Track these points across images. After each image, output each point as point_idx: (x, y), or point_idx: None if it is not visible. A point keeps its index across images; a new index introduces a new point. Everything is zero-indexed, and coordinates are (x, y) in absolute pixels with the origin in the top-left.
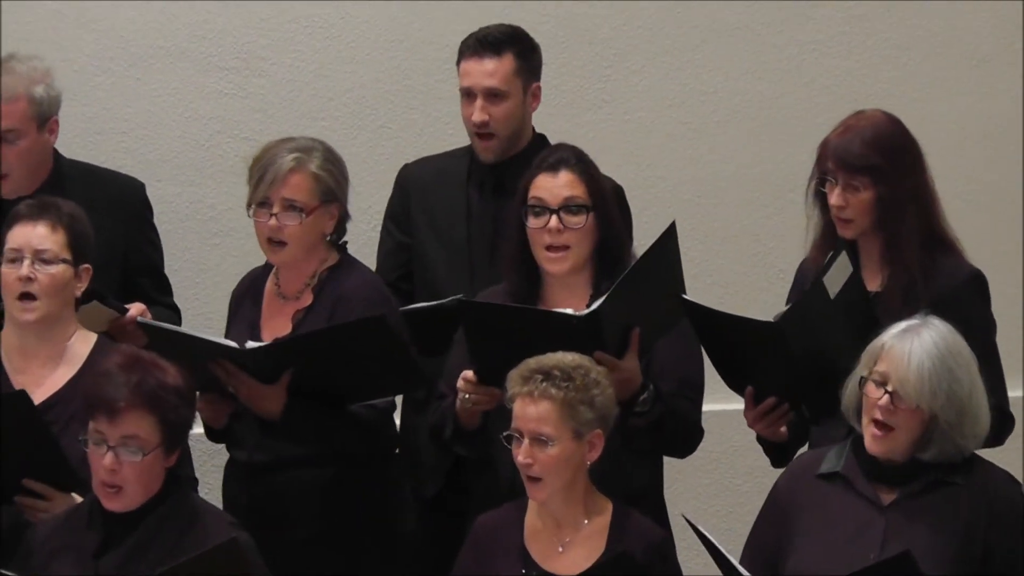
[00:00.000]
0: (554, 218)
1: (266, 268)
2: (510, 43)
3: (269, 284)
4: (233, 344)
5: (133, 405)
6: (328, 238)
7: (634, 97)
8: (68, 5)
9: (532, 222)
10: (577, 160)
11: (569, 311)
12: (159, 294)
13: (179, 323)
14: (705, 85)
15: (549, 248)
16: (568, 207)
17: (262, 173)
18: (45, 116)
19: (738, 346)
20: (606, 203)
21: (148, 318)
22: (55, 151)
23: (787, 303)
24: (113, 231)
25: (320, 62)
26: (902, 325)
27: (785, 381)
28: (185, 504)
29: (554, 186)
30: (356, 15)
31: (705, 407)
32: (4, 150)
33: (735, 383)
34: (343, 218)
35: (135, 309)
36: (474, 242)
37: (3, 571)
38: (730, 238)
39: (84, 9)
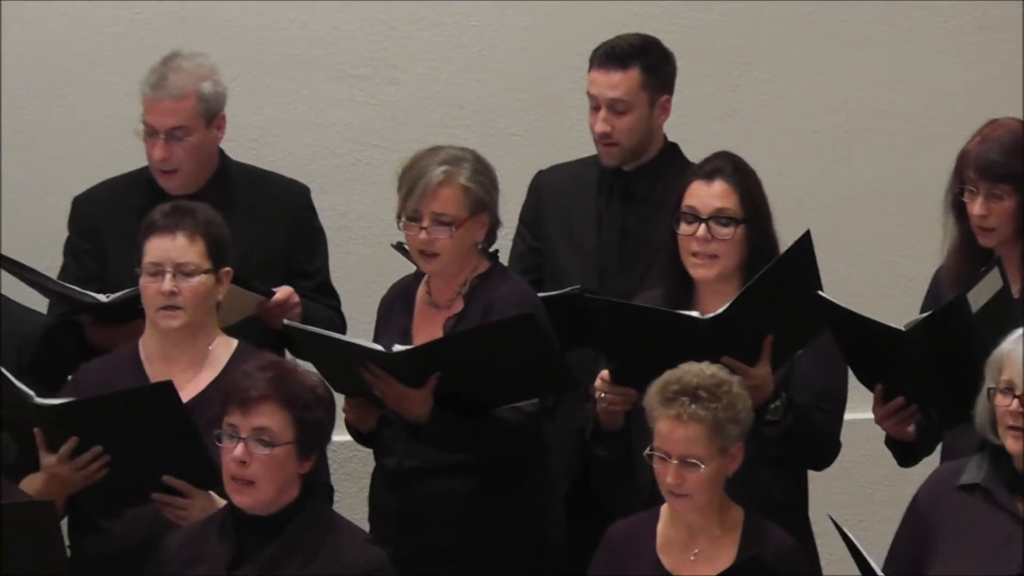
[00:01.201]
0: (703, 227)
1: (417, 276)
2: (638, 56)
3: (420, 292)
4: (380, 347)
5: (267, 397)
6: (479, 246)
7: (764, 106)
8: (197, 12)
9: (682, 228)
10: (734, 171)
11: (695, 314)
12: (321, 295)
13: (342, 326)
14: (835, 94)
15: (696, 255)
16: (718, 218)
17: (411, 186)
18: (212, 112)
19: (868, 345)
20: (760, 216)
21: (296, 306)
22: (221, 151)
23: (921, 311)
24: (276, 233)
25: (451, 70)
26: (1018, 331)
27: (912, 386)
28: (321, 518)
29: (707, 195)
30: (487, 23)
31: None
32: (173, 147)
33: (866, 380)
34: (494, 226)
35: (282, 293)
36: (603, 248)
37: None
38: (860, 246)
39: (213, 16)
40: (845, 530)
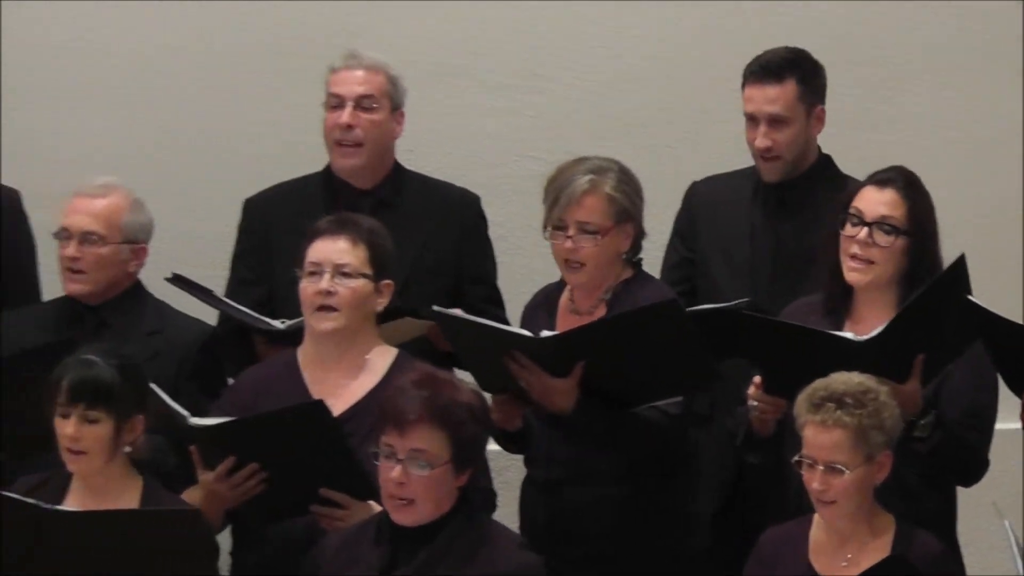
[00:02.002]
0: (865, 231)
1: (560, 283)
2: (792, 68)
3: (563, 299)
4: (528, 333)
5: (423, 419)
6: (624, 256)
7: (917, 118)
8: (347, 24)
9: (846, 229)
10: (907, 184)
11: (850, 335)
12: (488, 304)
13: None
14: (989, 106)
15: (853, 257)
16: (882, 224)
17: (557, 195)
18: (397, 101)
19: (1020, 352)
20: (924, 232)
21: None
22: (397, 162)
23: None
24: (446, 239)
25: (603, 81)
26: None
27: None
28: (476, 524)
29: (876, 201)
30: (637, 35)
31: None
32: (361, 116)
33: (1017, 387)
34: (639, 236)
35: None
36: (757, 260)
37: None
38: (1017, 259)
39: (365, 28)
40: (1007, 524)
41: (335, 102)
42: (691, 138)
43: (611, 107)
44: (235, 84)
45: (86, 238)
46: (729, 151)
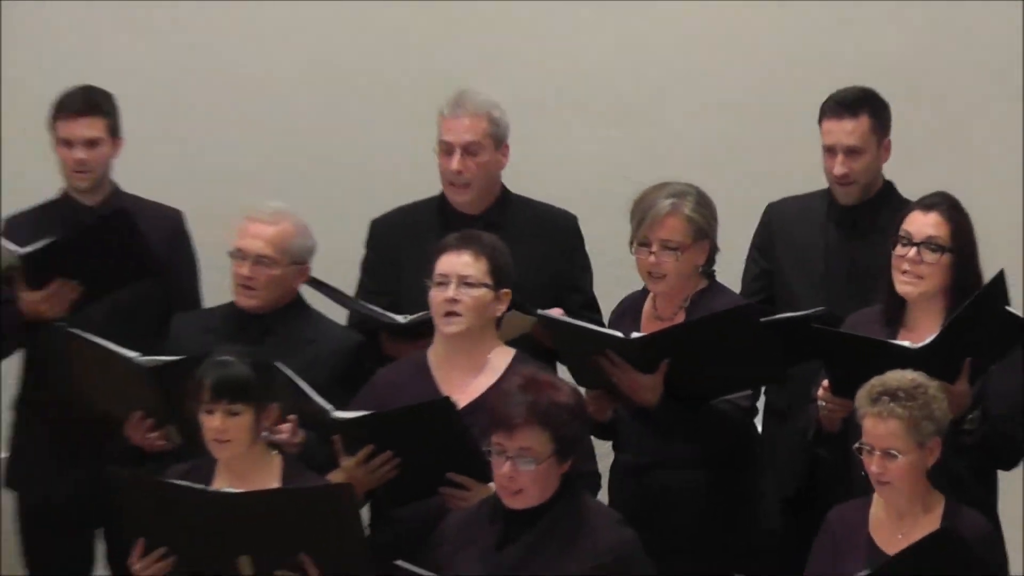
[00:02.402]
0: (914, 250)
1: (644, 292)
2: (865, 105)
3: (647, 306)
4: (619, 334)
5: (528, 422)
6: (700, 269)
7: (969, 147)
8: (458, 56)
9: (897, 250)
10: (949, 207)
11: (906, 344)
12: (584, 310)
13: None
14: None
15: (904, 273)
16: (928, 243)
17: (642, 216)
18: (500, 138)
19: None
20: (966, 249)
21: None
22: (504, 187)
23: None
24: (548, 254)
25: (690, 110)
26: None
27: None
28: (577, 504)
29: (922, 223)
30: (719, 71)
31: None
32: (468, 160)
33: None
34: (713, 251)
35: (555, 311)
36: (831, 275)
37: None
38: None
39: (471, 60)
40: None
41: (445, 148)
42: (769, 164)
43: (702, 135)
44: (365, 113)
45: (259, 260)
46: (805, 175)
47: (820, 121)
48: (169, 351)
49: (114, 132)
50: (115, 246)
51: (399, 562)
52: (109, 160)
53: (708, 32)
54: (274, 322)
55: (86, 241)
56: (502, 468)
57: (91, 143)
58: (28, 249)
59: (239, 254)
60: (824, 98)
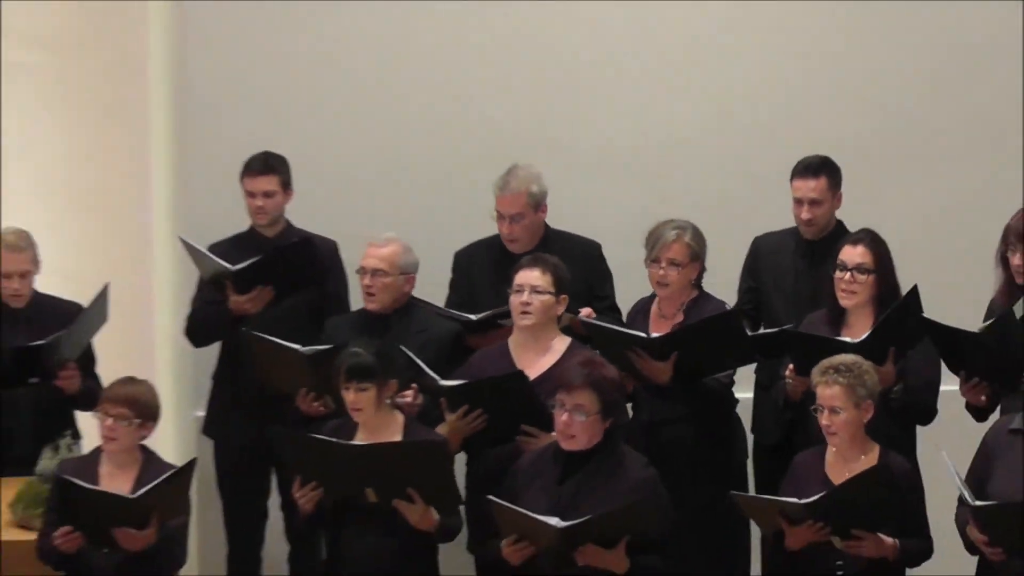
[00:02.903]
0: (848, 274)
1: (651, 296)
2: (824, 168)
3: (654, 307)
4: (643, 334)
5: (583, 385)
6: (692, 281)
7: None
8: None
9: (837, 274)
10: (872, 240)
11: (848, 339)
12: (608, 311)
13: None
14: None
15: (843, 291)
16: (858, 268)
17: (655, 241)
18: (538, 203)
19: (953, 346)
20: (886, 270)
21: (593, 318)
22: (545, 224)
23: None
24: (579, 272)
25: (692, 168)
26: None
27: (983, 368)
28: (616, 451)
29: (852, 254)
30: (715, 142)
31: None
32: (514, 226)
33: (952, 367)
34: (702, 269)
35: (584, 311)
36: (799, 291)
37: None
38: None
39: (517, 126)
40: (947, 457)
41: (498, 216)
42: (750, 206)
43: (696, 187)
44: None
45: (376, 273)
46: (782, 217)
47: (791, 180)
48: (324, 343)
49: (286, 186)
50: (297, 264)
51: (490, 496)
52: (282, 205)
53: (707, 105)
54: (393, 319)
55: (279, 260)
56: (561, 417)
57: (268, 194)
58: (239, 267)
59: (363, 271)
60: (792, 163)
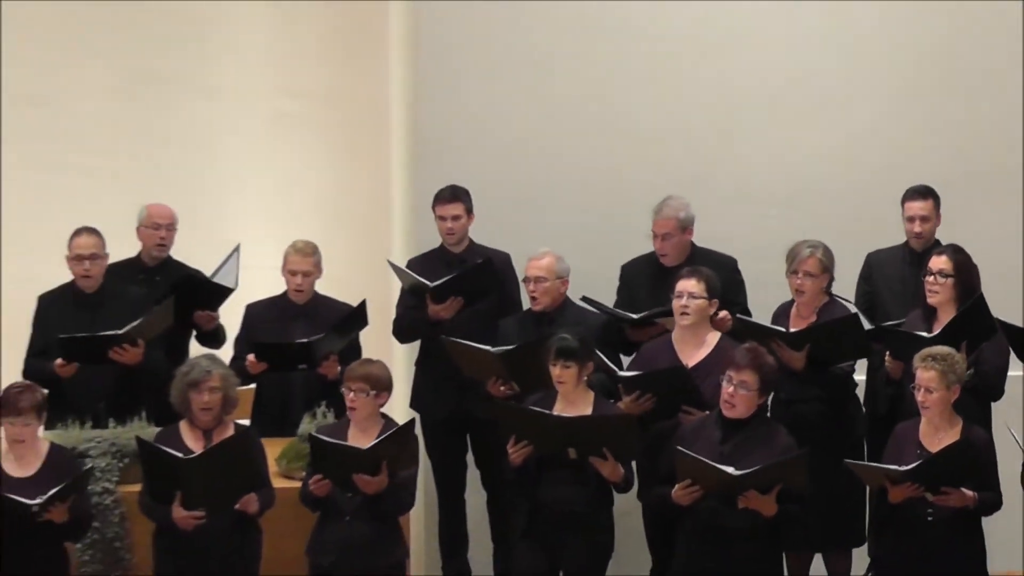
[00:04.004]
0: (932, 277)
1: (791, 302)
2: (931, 193)
3: (793, 310)
4: (783, 329)
5: (748, 366)
6: (824, 289)
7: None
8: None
9: (926, 278)
10: (953, 250)
11: (925, 334)
12: (743, 314)
13: None
14: None
15: (929, 291)
16: (940, 274)
17: (793, 257)
18: (685, 227)
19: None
20: (966, 275)
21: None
22: (692, 242)
23: None
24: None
25: (823, 196)
26: None
27: None
28: (766, 421)
29: (936, 262)
30: (848, 172)
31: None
32: (666, 243)
33: (1020, 355)
34: (831, 280)
35: (721, 314)
36: (907, 294)
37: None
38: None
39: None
40: (1012, 431)
41: (653, 235)
42: (876, 228)
43: (824, 213)
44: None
45: (538, 280)
46: (893, 232)
47: (903, 202)
48: (499, 342)
49: (469, 211)
50: (481, 279)
51: (678, 447)
52: (467, 227)
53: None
54: (555, 315)
55: (467, 277)
56: (728, 390)
57: (456, 218)
58: (437, 283)
59: (527, 279)
60: (897, 192)
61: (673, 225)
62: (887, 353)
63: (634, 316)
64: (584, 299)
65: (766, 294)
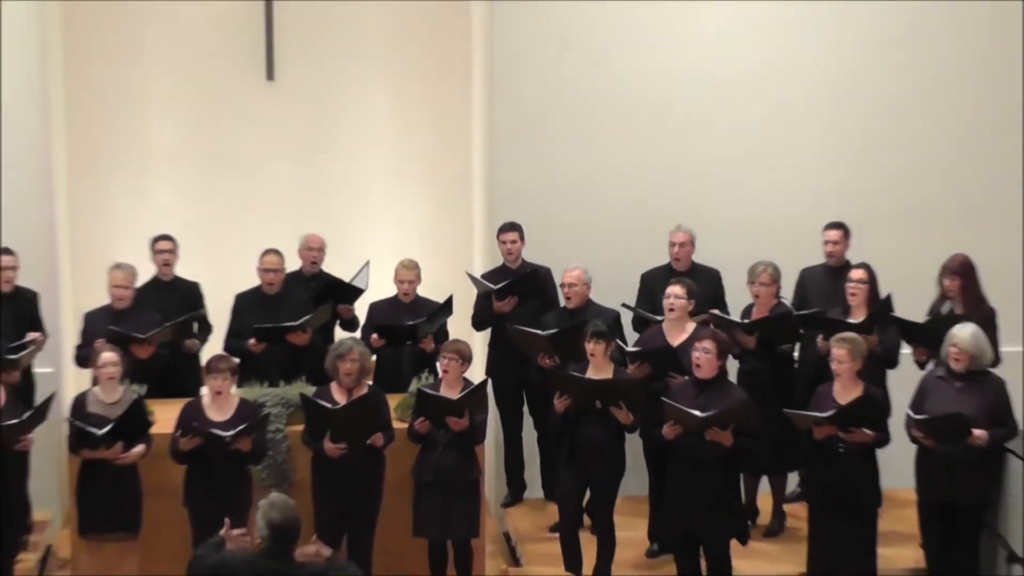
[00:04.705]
0: (852, 285)
1: (751, 304)
2: (841, 225)
3: (754, 309)
4: (741, 321)
5: (708, 336)
6: (774, 295)
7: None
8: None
9: (846, 285)
10: (865, 267)
11: (852, 321)
12: (723, 310)
13: None
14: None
15: (849, 295)
16: (860, 281)
17: (752, 273)
18: (693, 242)
19: (910, 330)
20: (874, 285)
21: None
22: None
23: None
24: (706, 288)
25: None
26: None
27: (924, 341)
28: (727, 382)
29: (855, 274)
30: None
31: None
32: (681, 251)
33: (907, 341)
34: (779, 289)
35: (713, 312)
36: (827, 298)
37: None
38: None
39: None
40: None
41: (671, 244)
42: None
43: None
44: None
45: (571, 285)
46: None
47: (823, 231)
48: (544, 329)
49: (522, 238)
50: (530, 285)
51: (663, 398)
52: (521, 250)
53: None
54: (581, 311)
55: (521, 282)
56: (696, 355)
57: (512, 242)
58: (498, 287)
59: (563, 285)
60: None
61: (687, 239)
62: (819, 336)
63: (657, 318)
64: (624, 305)
65: (747, 297)
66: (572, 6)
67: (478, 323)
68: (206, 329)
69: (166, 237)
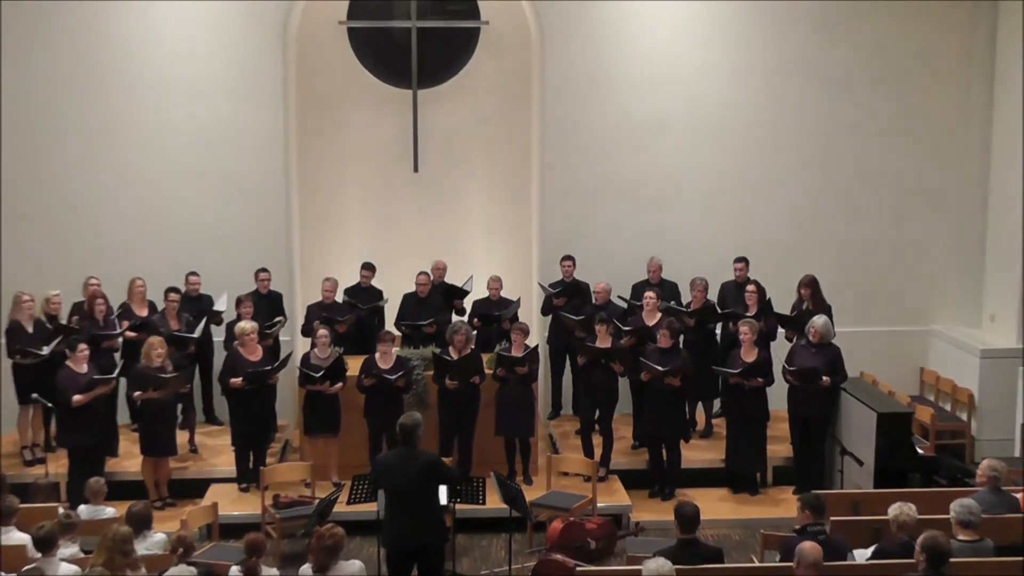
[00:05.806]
0: (748, 294)
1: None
2: (744, 259)
3: (693, 305)
4: (684, 310)
5: (665, 327)
6: (705, 297)
7: None
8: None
9: (746, 293)
10: (756, 283)
11: (749, 316)
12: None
13: None
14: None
15: (748, 300)
16: (754, 289)
17: (692, 284)
18: (660, 266)
19: (783, 319)
20: (763, 293)
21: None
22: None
23: None
24: (667, 294)
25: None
26: None
27: (793, 325)
28: (678, 350)
29: (751, 287)
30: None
31: None
32: (656, 273)
33: (782, 326)
34: (706, 293)
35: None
36: (738, 301)
37: None
38: None
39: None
40: (779, 355)
41: (594, 291)
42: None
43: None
44: None
45: (598, 293)
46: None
47: (733, 263)
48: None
49: (574, 264)
50: (576, 292)
51: (641, 358)
52: (573, 270)
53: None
54: (603, 307)
55: (571, 289)
56: (662, 333)
57: (568, 266)
58: (555, 291)
59: (595, 292)
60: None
61: (658, 264)
62: (731, 323)
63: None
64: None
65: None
66: None
67: (544, 311)
68: (382, 315)
69: (368, 265)
